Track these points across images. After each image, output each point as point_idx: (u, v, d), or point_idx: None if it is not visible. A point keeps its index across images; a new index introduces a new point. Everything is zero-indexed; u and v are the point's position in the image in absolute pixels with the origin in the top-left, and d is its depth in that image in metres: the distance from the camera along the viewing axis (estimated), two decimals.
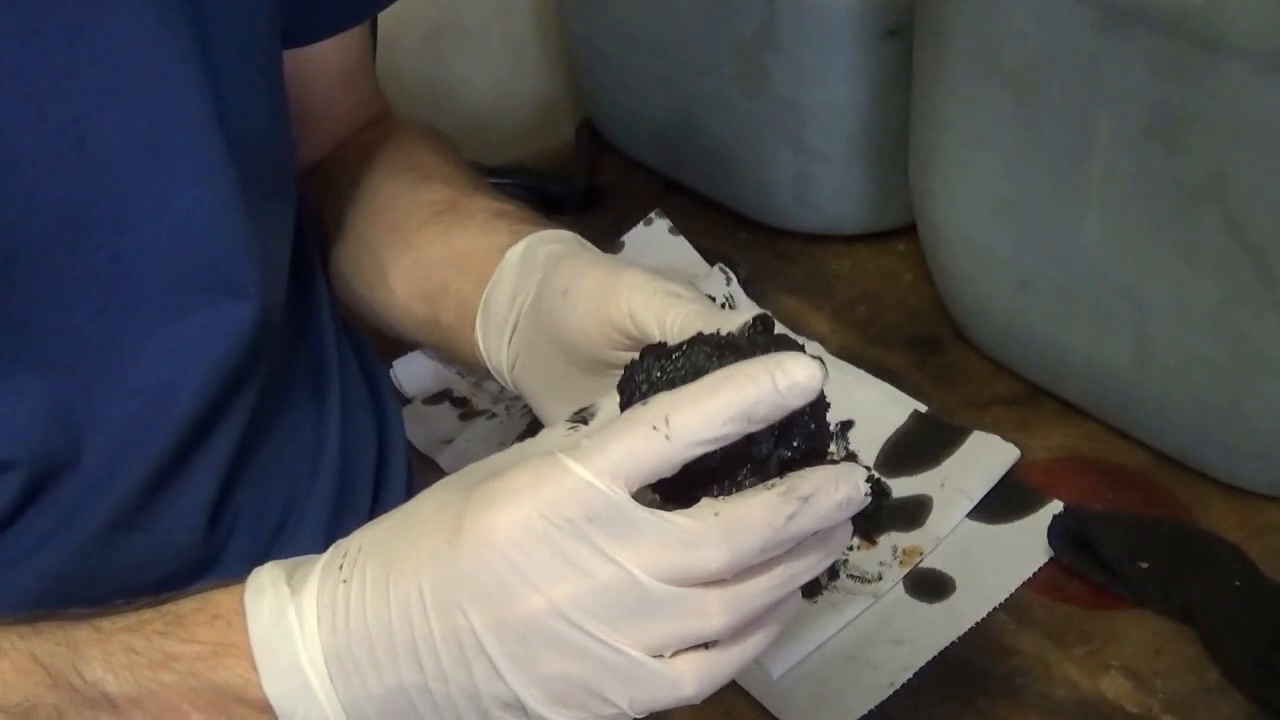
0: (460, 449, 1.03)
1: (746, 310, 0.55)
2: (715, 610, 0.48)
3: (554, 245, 0.68)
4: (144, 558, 0.68)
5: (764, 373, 0.47)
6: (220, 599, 0.53)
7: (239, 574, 0.72)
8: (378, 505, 0.81)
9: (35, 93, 0.60)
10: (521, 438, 1.02)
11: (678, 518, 0.47)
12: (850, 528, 0.51)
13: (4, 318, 0.61)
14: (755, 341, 0.51)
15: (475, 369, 0.73)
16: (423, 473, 0.93)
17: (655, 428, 0.47)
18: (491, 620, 0.48)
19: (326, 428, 0.78)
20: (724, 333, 0.53)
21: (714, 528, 0.47)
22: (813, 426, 0.51)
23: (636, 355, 0.53)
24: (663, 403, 0.48)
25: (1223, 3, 0.79)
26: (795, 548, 0.49)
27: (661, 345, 0.53)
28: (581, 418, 0.52)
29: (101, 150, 0.62)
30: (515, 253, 0.69)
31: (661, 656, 0.48)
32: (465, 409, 1.07)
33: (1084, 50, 0.88)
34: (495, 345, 0.69)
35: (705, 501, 0.49)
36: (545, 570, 0.47)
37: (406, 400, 1.07)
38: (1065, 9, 0.88)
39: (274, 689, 0.51)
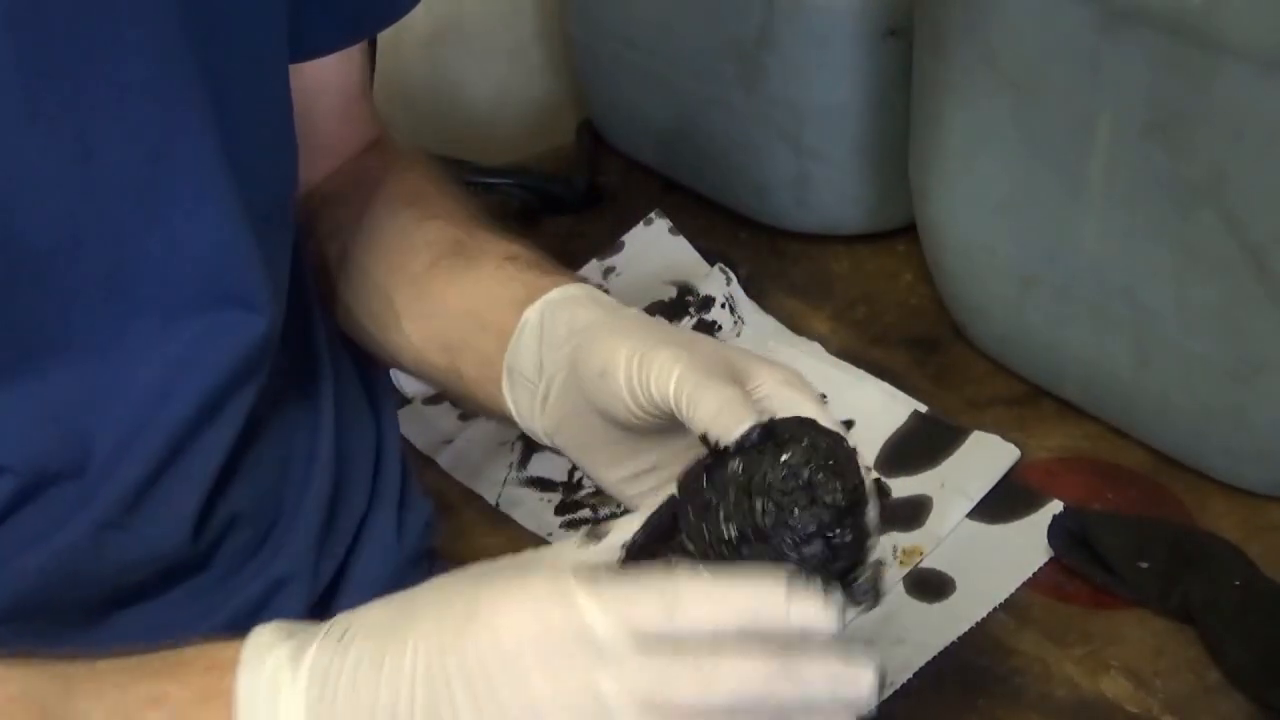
0: (460, 449, 1.03)
1: (745, 421, 0.56)
2: None
3: (573, 310, 0.68)
4: (132, 559, 0.68)
5: (781, 595, 0.49)
6: (220, 649, 0.54)
7: (226, 576, 0.72)
8: (372, 508, 0.81)
9: (42, 107, 0.60)
10: (522, 438, 1.02)
11: (659, 656, 0.49)
12: None
13: (4, 323, 0.61)
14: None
15: (498, 418, 0.73)
16: (422, 473, 0.93)
17: (664, 598, 0.49)
18: (473, 710, 0.49)
19: (319, 431, 0.78)
20: (720, 445, 0.55)
21: (688, 669, 0.48)
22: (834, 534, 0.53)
23: (680, 480, 0.54)
24: (679, 581, 0.49)
25: (1223, 3, 0.79)
26: None
27: (700, 470, 0.54)
28: (596, 535, 0.54)
29: (106, 165, 0.62)
30: (533, 315, 0.69)
31: None
32: (465, 409, 1.07)
33: (1084, 50, 0.88)
34: (528, 409, 0.69)
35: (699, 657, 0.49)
36: (531, 674, 0.49)
37: (406, 400, 1.06)
38: (1065, 9, 0.88)
39: None
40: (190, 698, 0.53)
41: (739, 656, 0.48)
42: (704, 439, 0.57)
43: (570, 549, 0.54)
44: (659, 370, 0.60)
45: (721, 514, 0.53)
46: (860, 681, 0.50)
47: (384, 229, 0.79)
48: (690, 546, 0.53)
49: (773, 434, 0.55)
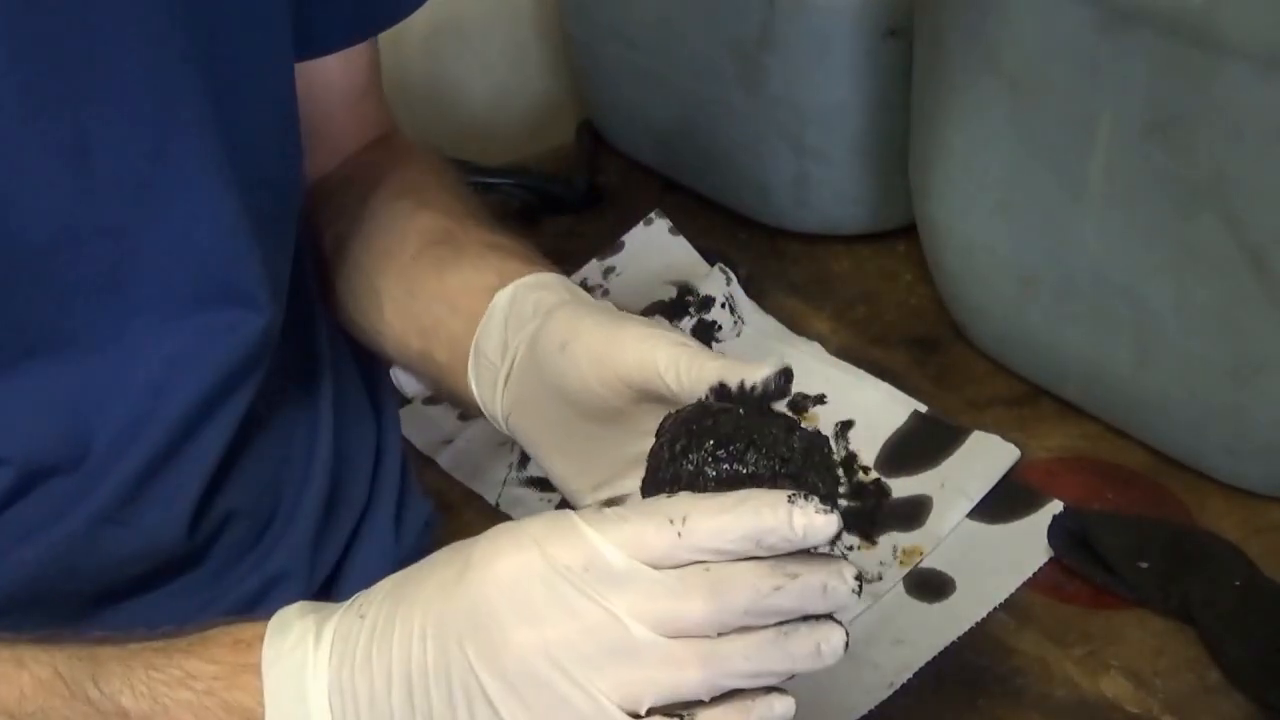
0: (460, 449, 1.03)
1: (765, 362, 0.55)
2: (692, 664, 0.49)
3: (541, 293, 0.68)
4: (129, 553, 0.68)
5: (784, 509, 0.49)
6: (245, 626, 0.55)
7: (223, 571, 0.72)
8: (371, 506, 0.81)
9: (40, 104, 0.60)
10: None
11: (670, 572, 0.49)
12: (843, 640, 0.51)
13: (3, 318, 0.62)
14: (789, 444, 0.52)
15: (469, 408, 0.73)
16: (422, 473, 0.93)
17: (671, 521, 0.49)
18: (482, 654, 0.49)
19: (319, 428, 0.78)
20: (749, 384, 0.55)
21: (702, 582, 0.49)
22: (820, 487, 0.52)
23: (667, 426, 0.54)
24: (685, 502, 0.50)
25: (1223, 3, 0.79)
26: (784, 638, 0.50)
27: (690, 416, 0.54)
28: (611, 503, 0.54)
29: (104, 161, 0.62)
30: (503, 298, 0.69)
31: (639, 717, 0.49)
32: (465, 409, 1.07)
33: (1084, 50, 0.88)
34: (489, 392, 0.69)
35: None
36: (539, 609, 0.49)
37: (406, 400, 1.06)
38: (1065, 9, 0.88)
39: (275, 714, 0.52)
40: (218, 672, 0.53)
41: (748, 570, 0.49)
42: (719, 389, 0.55)
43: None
44: (637, 344, 0.59)
45: (707, 446, 0.52)
46: (847, 582, 0.50)
47: (377, 219, 0.79)
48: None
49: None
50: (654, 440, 0.54)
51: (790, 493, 0.49)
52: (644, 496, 0.53)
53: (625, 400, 0.60)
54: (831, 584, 0.50)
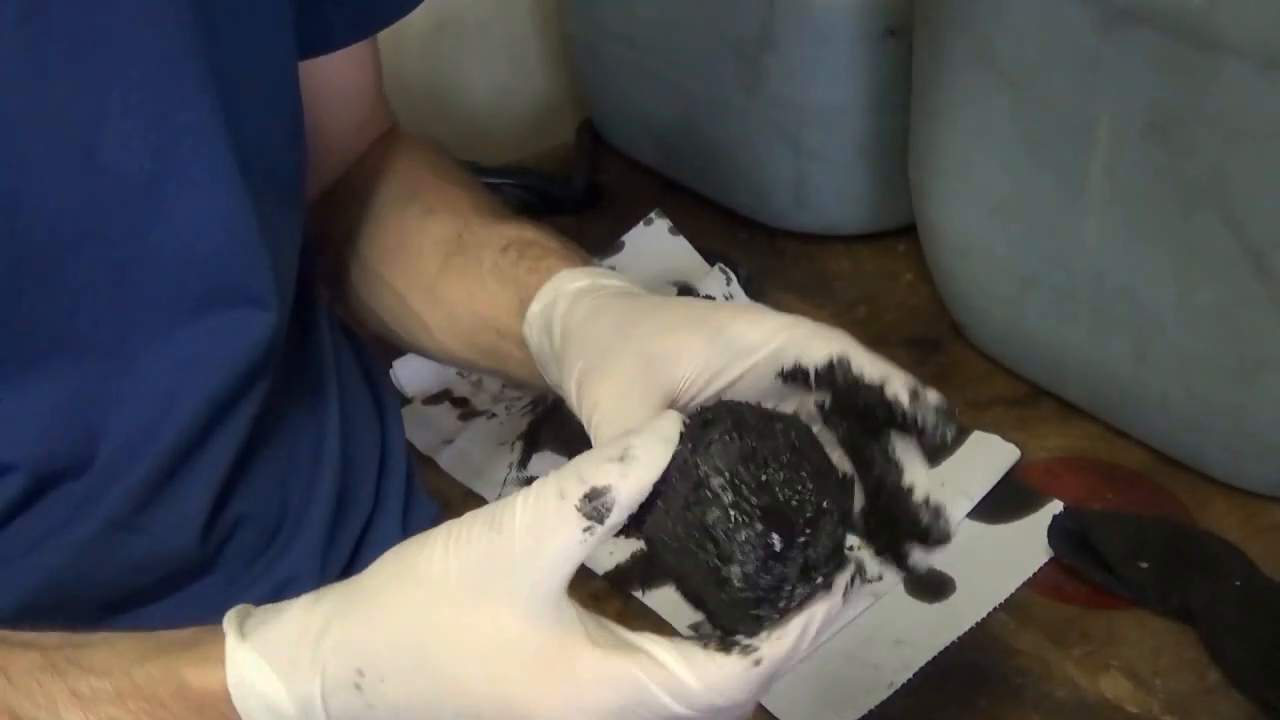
0: (460, 449, 1.03)
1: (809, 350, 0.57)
2: None
3: (555, 323, 0.66)
4: (141, 560, 0.68)
5: (840, 609, 0.51)
6: (202, 673, 0.52)
7: (235, 577, 0.72)
8: (378, 508, 0.81)
9: (48, 103, 0.60)
10: (522, 437, 1.02)
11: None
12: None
13: (12, 322, 0.61)
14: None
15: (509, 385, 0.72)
16: (423, 473, 0.93)
17: (755, 663, 0.49)
18: None
19: (326, 431, 0.78)
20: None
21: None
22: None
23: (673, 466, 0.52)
24: (760, 650, 0.50)
25: (1223, 3, 0.79)
26: None
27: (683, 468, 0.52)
28: (598, 511, 0.50)
29: (112, 160, 0.62)
30: (531, 333, 0.68)
31: None
32: (465, 409, 1.07)
33: (1084, 50, 0.88)
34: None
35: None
36: None
37: (406, 400, 1.07)
38: (1065, 9, 0.88)
39: None
40: None
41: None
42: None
43: (574, 539, 0.50)
44: (584, 416, 0.59)
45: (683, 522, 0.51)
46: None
47: (388, 228, 0.79)
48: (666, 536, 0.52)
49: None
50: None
51: (845, 587, 0.51)
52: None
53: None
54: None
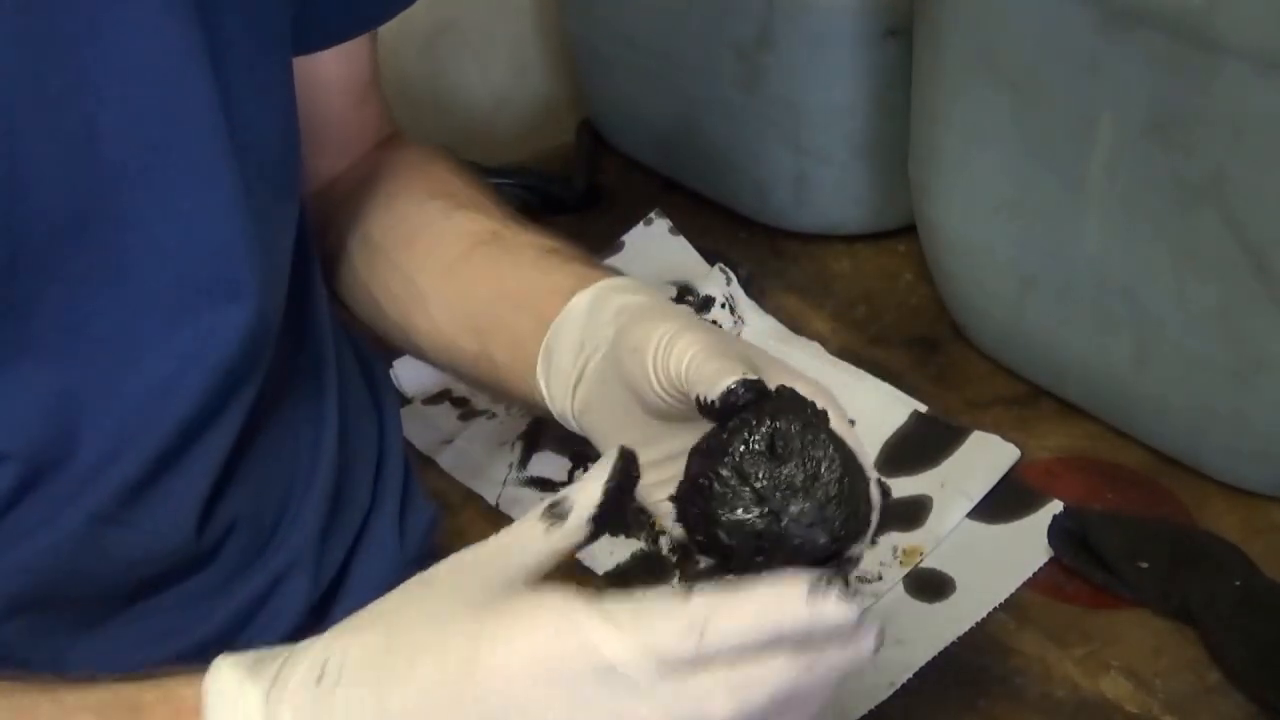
0: (460, 449, 1.03)
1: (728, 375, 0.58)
2: None
3: (625, 296, 0.68)
4: (133, 554, 0.68)
5: (805, 605, 0.49)
6: (184, 694, 0.52)
7: (231, 574, 0.72)
8: (375, 506, 0.81)
9: (48, 93, 0.60)
10: (522, 438, 1.02)
11: (690, 679, 0.48)
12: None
13: (8, 309, 0.61)
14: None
15: (525, 405, 0.73)
16: (423, 473, 0.93)
17: (692, 626, 0.48)
18: None
19: (323, 428, 0.78)
20: (706, 400, 0.57)
21: (723, 684, 0.48)
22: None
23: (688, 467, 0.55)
24: (705, 605, 0.48)
25: (1223, 3, 0.79)
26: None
27: (708, 450, 0.55)
28: (558, 514, 0.53)
29: (111, 151, 0.62)
30: (584, 299, 0.69)
31: None
32: (465, 409, 1.07)
33: (1084, 50, 0.88)
34: (560, 391, 0.69)
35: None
36: (555, 717, 0.47)
37: (406, 400, 1.06)
38: (1065, 9, 0.88)
39: None
40: None
41: (767, 663, 0.48)
42: (699, 405, 0.57)
43: (537, 536, 0.52)
44: (680, 348, 0.61)
45: (715, 502, 0.53)
46: (866, 648, 0.51)
47: (410, 218, 0.79)
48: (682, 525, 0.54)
49: (761, 398, 0.55)
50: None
51: (811, 581, 0.49)
52: (610, 510, 0.53)
53: (689, 406, 0.60)
54: (851, 659, 0.50)
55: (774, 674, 0.48)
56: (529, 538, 0.53)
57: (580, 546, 0.53)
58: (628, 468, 0.54)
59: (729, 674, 0.48)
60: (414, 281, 0.78)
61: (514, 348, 0.72)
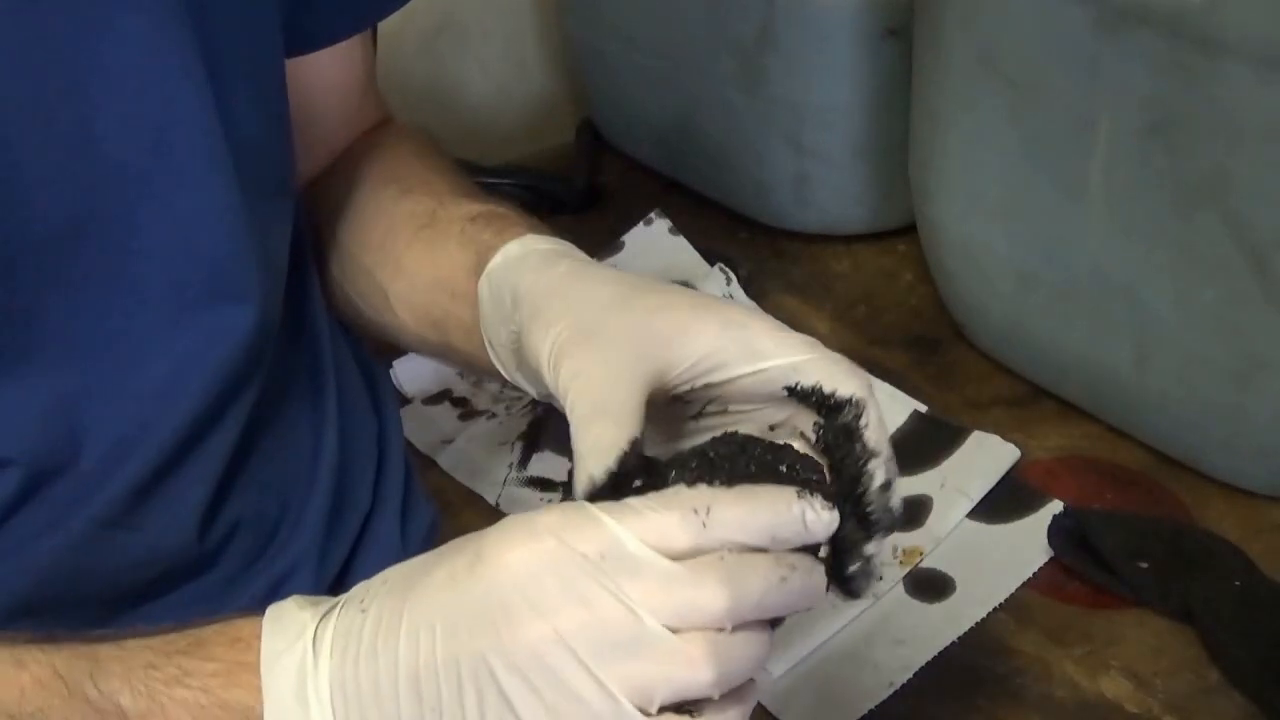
0: (460, 449, 1.03)
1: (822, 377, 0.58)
2: (706, 664, 0.49)
3: (514, 279, 0.65)
4: (136, 557, 0.68)
5: (797, 505, 0.51)
6: (242, 623, 0.54)
7: (233, 576, 0.72)
8: (376, 506, 0.81)
9: (43, 96, 0.60)
10: (522, 437, 1.02)
11: (687, 563, 0.49)
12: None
13: (8, 315, 0.61)
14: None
15: (507, 384, 0.73)
16: (423, 473, 0.93)
17: (695, 512, 0.49)
18: (494, 646, 0.48)
19: (324, 429, 0.78)
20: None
21: (719, 572, 0.49)
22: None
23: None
24: (705, 494, 0.51)
25: (1223, 3, 0.79)
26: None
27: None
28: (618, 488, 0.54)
29: (107, 154, 0.62)
30: (484, 288, 0.68)
31: (649, 715, 0.49)
32: (465, 409, 1.07)
33: (1084, 50, 0.88)
34: (518, 375, 0.69)
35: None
36: (552, 599, 0.48)
37: (406, 400, 1.07)
38: (1065, 9, 0.88)
39: (274, 712, 0.51)
40: (216, 669, 0.53)
41: (760, 561, 0.50)
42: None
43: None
44: (566, 382, 0.59)
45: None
46: (822, 575, 0.53)
47: (365, 210, 0.79)
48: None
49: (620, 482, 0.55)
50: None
51: (798, 489, 0.51)
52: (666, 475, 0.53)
53: None
54: (818, 578, 0.52)
55: (764, 572, 0.50)
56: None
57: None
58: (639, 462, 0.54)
59: (724, 564, 0.49)
60: (375, 278, 0.77)
61: (466, 335, 0.71)
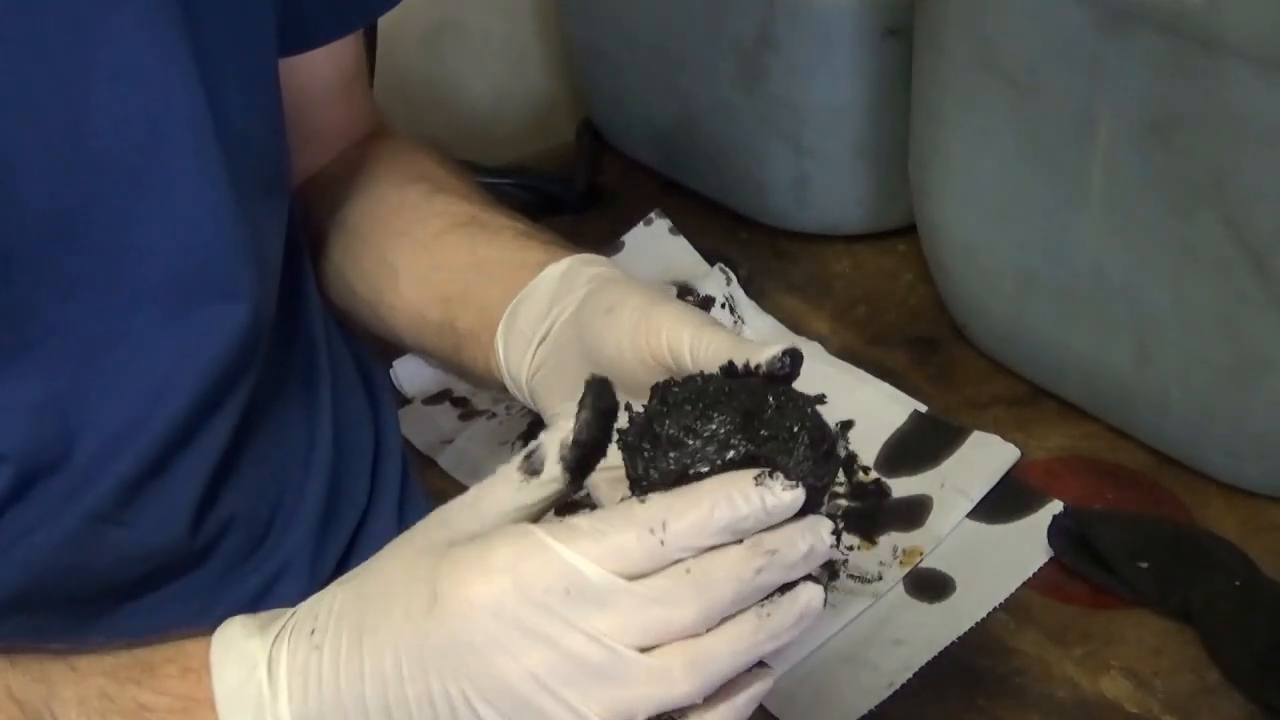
0: (460, 449, 1.03)
1: (774, 344, 0.56)
2: (682, 676, 0.48)
3: (599, 268, 0.69)
4: (129, 553, 0.68)
5: (754, 493, 0.49)
6: (191, 649, 0.53)
7: (226, 573, 0.72)
8: (372, 505, 0.81)
9: (36, 94, 0.60)
10: (522, 438, 1.02)
11: (651, 581, 0.49)
12: (821, 596, 0.51)
13: (1, 311, 0.62)
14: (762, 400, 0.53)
15: (479, 377, 0.73)
16: (423, 473, 0.93)
17: (651, 531, 0.49)
18: (467, 687, 0.48)
19: (318, 427, 0.78)
20: (753, 364, 0.55)
21: (686, 585, 0.48)
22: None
23: (640, 409, 0.53)
24: (658, 506, 0.49)
25: (1223, 3, 0.79)
26: (767, 618, 0.50)
27: (679, 381, 0.54)
28: (531, 468, 0.53)
29: (100, 151, 0.62)
30: (557, 269, 0.70)
31: None
32: (465, 409, 1.07)
33: (1084, 50, 0.88)
34: (517, 353, 0.69)
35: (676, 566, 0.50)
36: (516, 642, 0.48)
37: (406, 400, 1.06)
38: (1065, 9, 0.88)
39: None
40: (171, 705, 0.52)
41: (728, 560, 0.49)
42: (728, 367, 0.56)
43: (511, 489, 0.53)
44: (663, 317, 0.60)
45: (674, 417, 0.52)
46: (824, 537, 0.51)
47: (389, 200, 0.80)
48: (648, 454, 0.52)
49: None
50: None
51: (756, 473, 0.50)
52: (585, 457, 0.52)
53: (654, 374, 0.60)
54: (813, 546, 0.50)
55: (735, 566, 0.49)
56: (503, 490, 0.53)
57: (563, 495, 0.53)
58: (601, 394, 0.53)
59: (689, 575, 0.48)
60: (386, 259, 0.78)
61: (479, 313, 0.72)
